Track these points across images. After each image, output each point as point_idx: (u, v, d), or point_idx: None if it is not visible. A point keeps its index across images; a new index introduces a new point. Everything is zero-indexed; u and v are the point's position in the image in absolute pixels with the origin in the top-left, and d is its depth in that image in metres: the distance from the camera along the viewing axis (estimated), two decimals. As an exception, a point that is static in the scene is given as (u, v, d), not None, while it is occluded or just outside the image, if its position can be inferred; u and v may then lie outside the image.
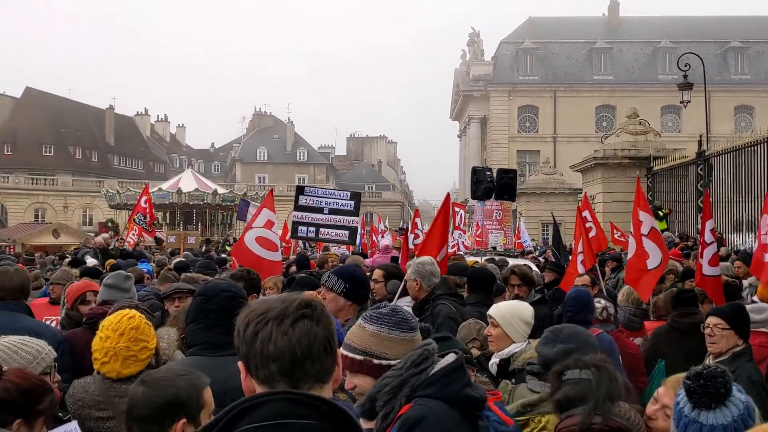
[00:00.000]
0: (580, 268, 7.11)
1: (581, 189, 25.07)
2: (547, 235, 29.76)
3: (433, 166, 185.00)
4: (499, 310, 3.88)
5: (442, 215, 6.50)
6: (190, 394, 2.11)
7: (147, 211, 16.75)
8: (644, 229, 6.68)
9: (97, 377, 3.08)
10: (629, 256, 7.00)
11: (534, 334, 5.00)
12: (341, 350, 2.35)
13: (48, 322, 5.95)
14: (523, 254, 14.64)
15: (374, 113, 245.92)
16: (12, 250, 21.12)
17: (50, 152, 68.11)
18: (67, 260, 10.87)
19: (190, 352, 3.19)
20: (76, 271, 7.07)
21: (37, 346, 2.75)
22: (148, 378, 2.22)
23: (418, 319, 2.87)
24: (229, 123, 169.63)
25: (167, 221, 32.79)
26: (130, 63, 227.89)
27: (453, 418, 2.22)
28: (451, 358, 2.34)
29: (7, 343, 2.69)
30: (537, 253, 17.20)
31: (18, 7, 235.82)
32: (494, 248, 12.50)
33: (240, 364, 1.57)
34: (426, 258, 5.02)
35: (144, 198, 16.99)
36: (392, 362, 2.34)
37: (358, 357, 2.37)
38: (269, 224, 7.25)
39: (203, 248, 21.02)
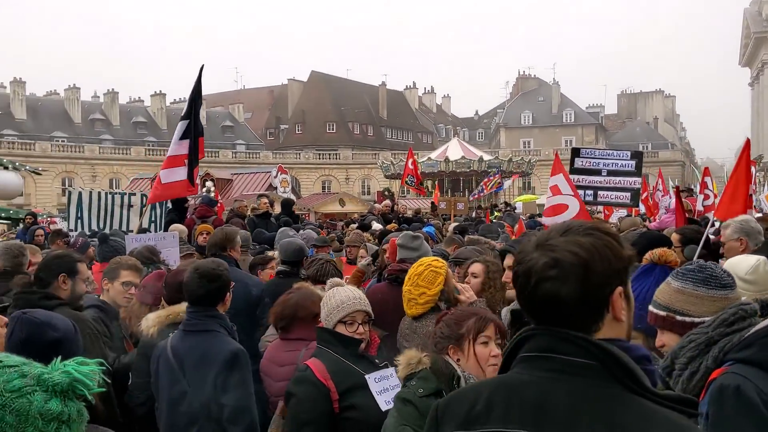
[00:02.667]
0: None
1: None
2: None
3: (718, 121, 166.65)
4: None
5: (744, 166, 5.84)
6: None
7: (413, 172, 18.00)
8: None
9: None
10: None
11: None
12: (650, 308, 2.43)
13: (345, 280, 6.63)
14: (841, 215, 12.53)
15: (648, 66, 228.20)
16: (307, 217, 23.74)
17: (333, 129, 75.32)
18: (355, 225, 11.93)
19: None
20: (368, 235, 7.69)
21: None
22: None
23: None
24: (493, 89, 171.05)
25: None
26: (399, 40, 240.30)
27: None
28: None
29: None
30: None
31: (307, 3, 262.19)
32: (804, 208, 10.93)
33: None
34: (747, 216, 4.61)
35: (410, 160, 18.27)
36: (696, 320, 2.28)
37: (662, 313, 2.37)
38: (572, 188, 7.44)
39: (473, 214, 21.50)
